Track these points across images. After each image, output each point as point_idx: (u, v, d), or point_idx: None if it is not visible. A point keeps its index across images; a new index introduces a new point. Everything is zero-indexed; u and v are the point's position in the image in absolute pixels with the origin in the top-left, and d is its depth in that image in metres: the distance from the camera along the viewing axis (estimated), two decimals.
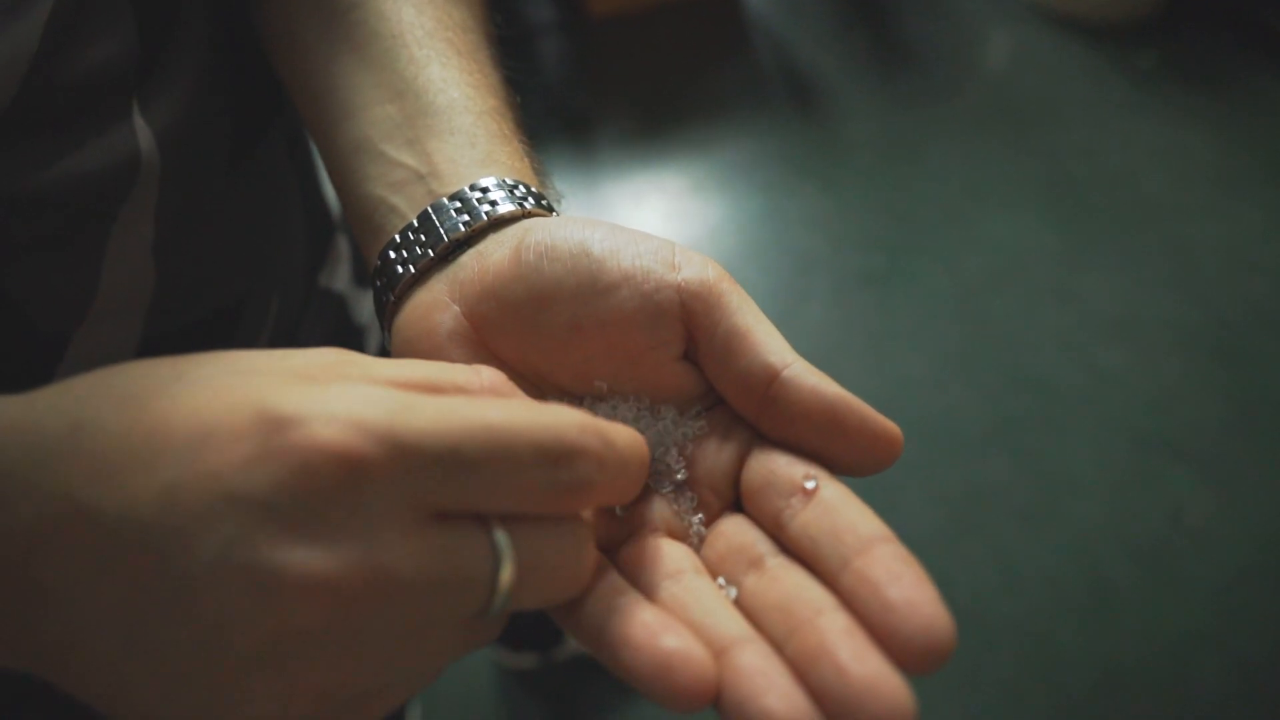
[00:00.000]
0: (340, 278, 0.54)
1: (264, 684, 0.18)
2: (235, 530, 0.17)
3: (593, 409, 0.28)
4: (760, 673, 0.21)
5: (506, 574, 0.20)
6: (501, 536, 0.20)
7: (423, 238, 0.29)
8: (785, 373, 0.25)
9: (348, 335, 0.53)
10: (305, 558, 0.17)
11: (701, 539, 0.27)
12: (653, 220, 1.89)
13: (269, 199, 0.43)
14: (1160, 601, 1.35)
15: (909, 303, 1.74)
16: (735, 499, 0.27)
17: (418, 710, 1.18)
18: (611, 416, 0.28)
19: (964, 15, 2.43)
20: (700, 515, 0.27)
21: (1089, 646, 1.30)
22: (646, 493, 0.27)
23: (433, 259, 0.29)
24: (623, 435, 0.22)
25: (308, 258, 0.49)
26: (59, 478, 0.17)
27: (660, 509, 0.27)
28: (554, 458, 0.19)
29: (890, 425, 0.26)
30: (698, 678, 0.20)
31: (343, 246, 0.55)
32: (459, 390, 0.22)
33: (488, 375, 0.24)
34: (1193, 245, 1.85)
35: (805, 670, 0.21)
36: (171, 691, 0.18)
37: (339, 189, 0.33)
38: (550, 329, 0.27)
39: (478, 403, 0.19)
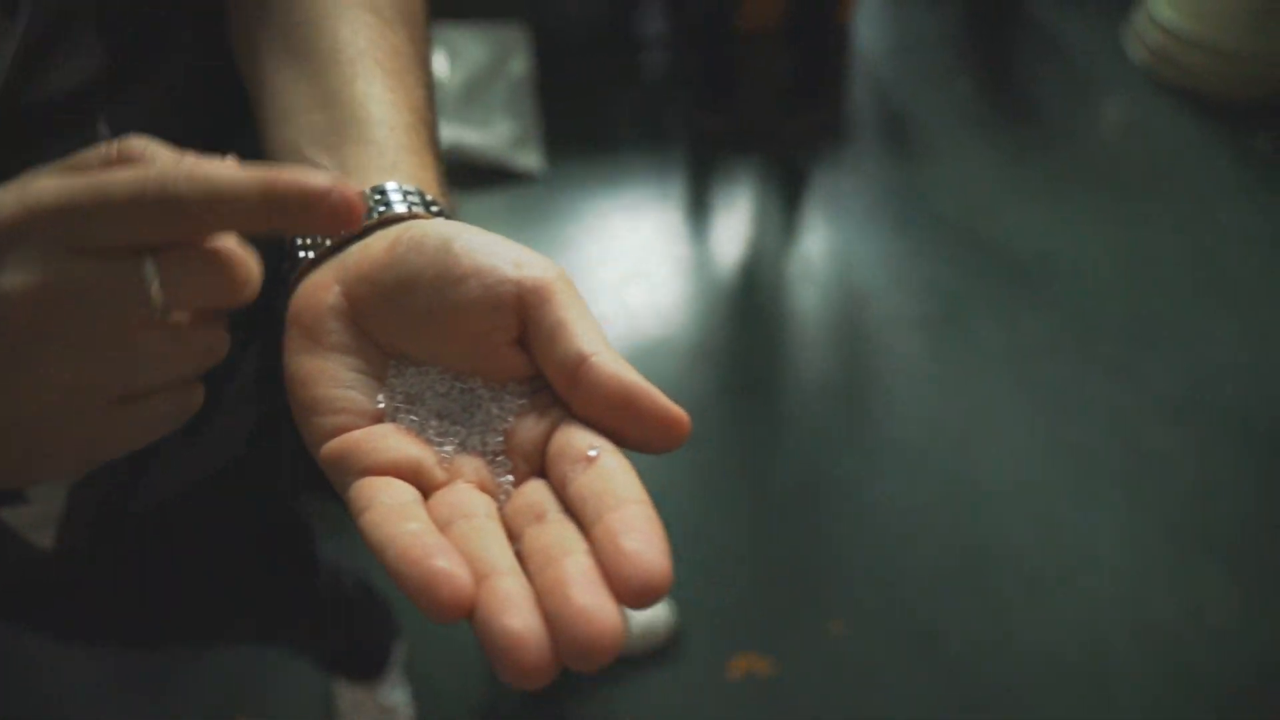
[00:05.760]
0: None
1: (18, 380, 0.25)
2: None
3: (413, 373, 0.33)
4: (509, 597, 0.25)
5: (154, 282, 0.26)
6: (148, 261, 0.26)
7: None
8: (592, 359, 0.29)
9: None
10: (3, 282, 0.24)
11: (508, 496, 0.31)
12: (718, 231, 1.92)
13: None
14: (1162, 691, 1.30)
15: (957, 353, 1.73)
16: (543, 467, 0.32)
17: (407, 692, 1.25)
18: (422, 382, 0.33)
19: (1076, 74, 2.38)
20: (510, 477, 0.32)
21: None
22: (469, 453, 0.32)
23: (328, 248, 0.35)
24: (183, 174, 0.26)
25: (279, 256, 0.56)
26: None
27: (478, 468, 0.32)
28: (136, 200, 0.25)
29: (679, 413, 0.30)
30: (455, 594, 0.24)
31: None
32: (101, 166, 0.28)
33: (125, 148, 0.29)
34: (1271, 335, 1.77)
35: (544, 599, 0.25)
36: None
37: None
38: (410, 311, 0.31)
39: (98, 175, 0.25)
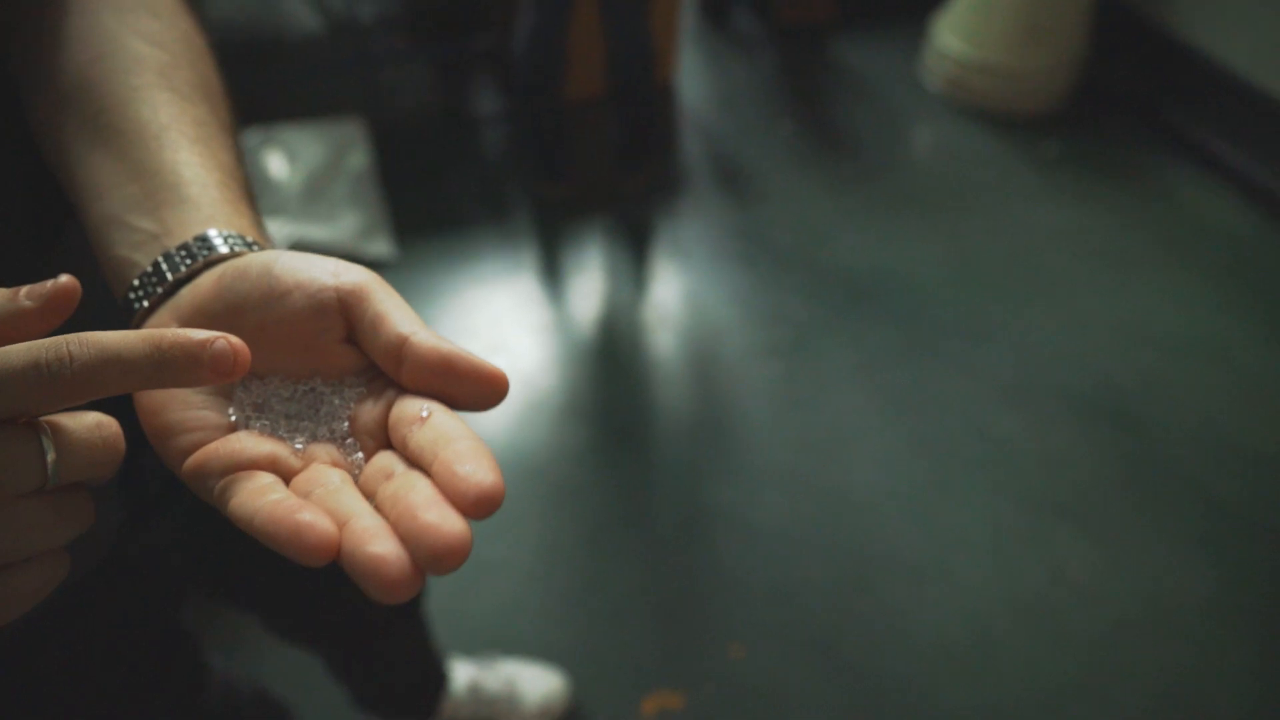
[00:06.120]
0: None
1: None
2: None
3: (256, 385, 0.37)
4: (367, 530, 0.29)
5: (51, 453, 0.28)
6: (45, 434, 0.28)
7: (153, 280, 0.37)
8: (411, 338, 0.33)
9: None
10: None
11: (361, 470, 0.35)
12: (581, 285, 1.98)
13: (82, 276, 0.50)
14: (1040, 654, 1.39)
15: (811, 373, 1.82)
16: (387, 441, 0.35)
17: None
18: (266, 390, 0.36)
19: (883, 108, 2.58)
20: (360, 455, 0.36)
21: (972, 700, 1.34)
22: (320, 441, 0.36)
23: (160, 295, 0.37)
24: (58, 350, 0.28)
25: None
26: None
27: (331, 452, 0.36)
28: (33, 369, 0.27)
29: (495, 369, 0.34)
30: (320, 538, 0.28)
31: None
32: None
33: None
34: (1088, 319, 1.95)
35: (398, 527, 0.29)
36: None
37: (97, 257, 0.40)
38: (244, 331, 0.34)
39: None
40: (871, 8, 2.91)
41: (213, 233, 0.38)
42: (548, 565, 1.50)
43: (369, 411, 0.35)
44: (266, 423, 0.36)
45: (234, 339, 0.30)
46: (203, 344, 0.29)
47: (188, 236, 0.38)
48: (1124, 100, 2.54)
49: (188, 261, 0.37)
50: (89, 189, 0.40)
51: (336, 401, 0.36)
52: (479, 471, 0.29)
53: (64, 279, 0.29)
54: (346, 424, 0.36)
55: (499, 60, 2.50)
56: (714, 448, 1.69)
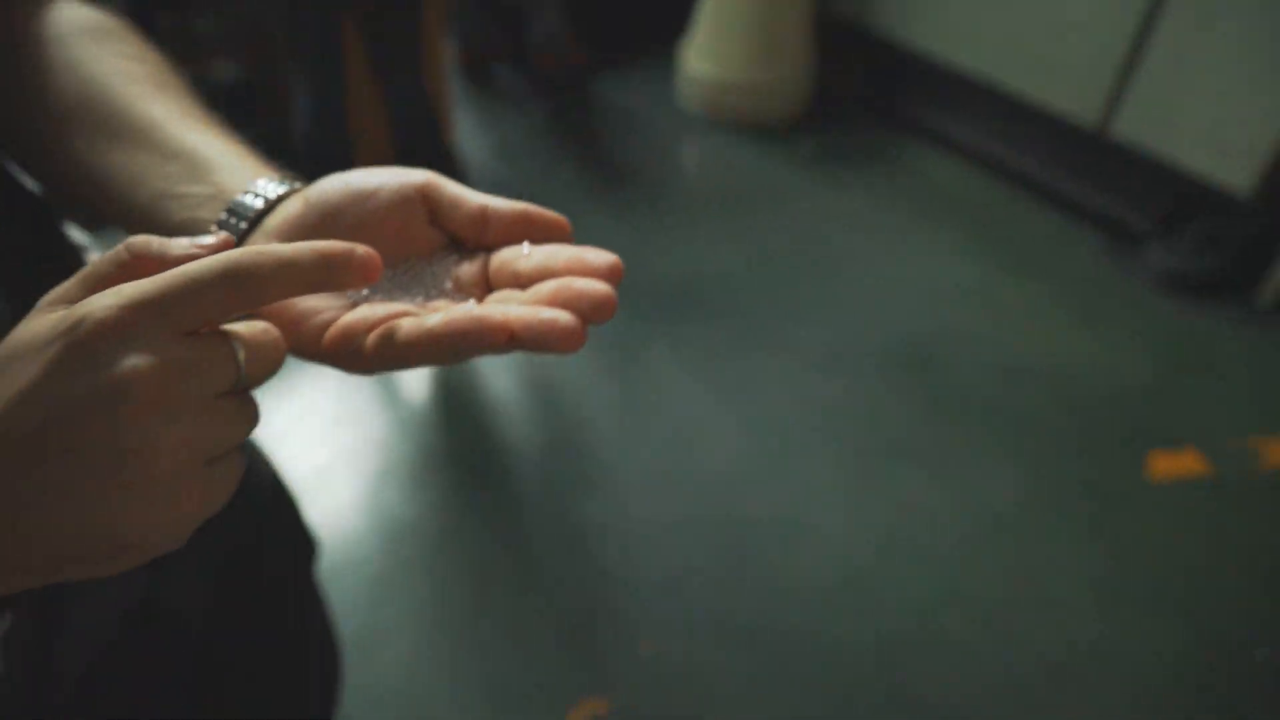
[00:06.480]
0: None
1: (142, 451, 0.28)
2: (87, 377, 0.27)
3: (387, 277, 0.41)
4: (531, 308, 0.35)
5: (241, 355, 0.31)
6: (234, 338, 0.31)
7: (231, 221, 0.41)
8: (490, 204, 0.41)
9: None
10: (125, 365, 0.28)
11: None
12: None
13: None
14: (905, 577, 1.55)
15: (649, 385, 1.93)
16: (490, 290, 0.41)
17: None
18: (392, 276, 0.41)
19: (651, 134, 2.77)
20: (471, 300, 0.40)
21: (858, 630, 1.47)
22: (433, 299, 0.41)
23: (244, 229, 0.41)
24: (255, 258, 0.32)
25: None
26: None
27: (446, 305, 0.40)
28: (225, 278, 0.30)
29: (561, 217, 0.42)
30: (499, 321, 0.34)
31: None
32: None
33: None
34: (875, 286, 2.19)
35: (556, 297, 0.36)
36: (123, 505, 0.28)
37: (154, 233, 0.42)
38: (342, 232, 0.40)
39: (183, 273, 0.30)
40: (621, 46, 3.11)
41: (263, 180, 0.42)
42: (438, 616, 1.51)
43: (467, 271, 0.41)
44: (383, 295, 0.40)
45: (366, 246, 0.34)
46: (351, 249, 0.33)
47: (242, 189, 0.42)
48: (859, 97, 2.87)
49: (259, 202, 0.41)
50: (123, 180, 0.43)
51: (438, 269, 0.42)
52: (600, 254, 0.37)
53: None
54: (450, 284, 0.41)
55: (282, 145, 2.47)
56: (573, 469, 1.75)
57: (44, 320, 0.29)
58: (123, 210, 0.43)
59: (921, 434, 1.81)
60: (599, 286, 0.35)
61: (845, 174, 2.59)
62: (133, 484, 0.28)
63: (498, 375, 1.95)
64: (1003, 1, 2.35)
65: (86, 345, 0.28)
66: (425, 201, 0.41)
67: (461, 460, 1.78)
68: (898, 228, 2.39)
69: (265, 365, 0.33)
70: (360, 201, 0.40)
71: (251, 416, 0.33)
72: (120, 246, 0.33)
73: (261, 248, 0.32)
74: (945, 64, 2.56)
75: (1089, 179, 2.40)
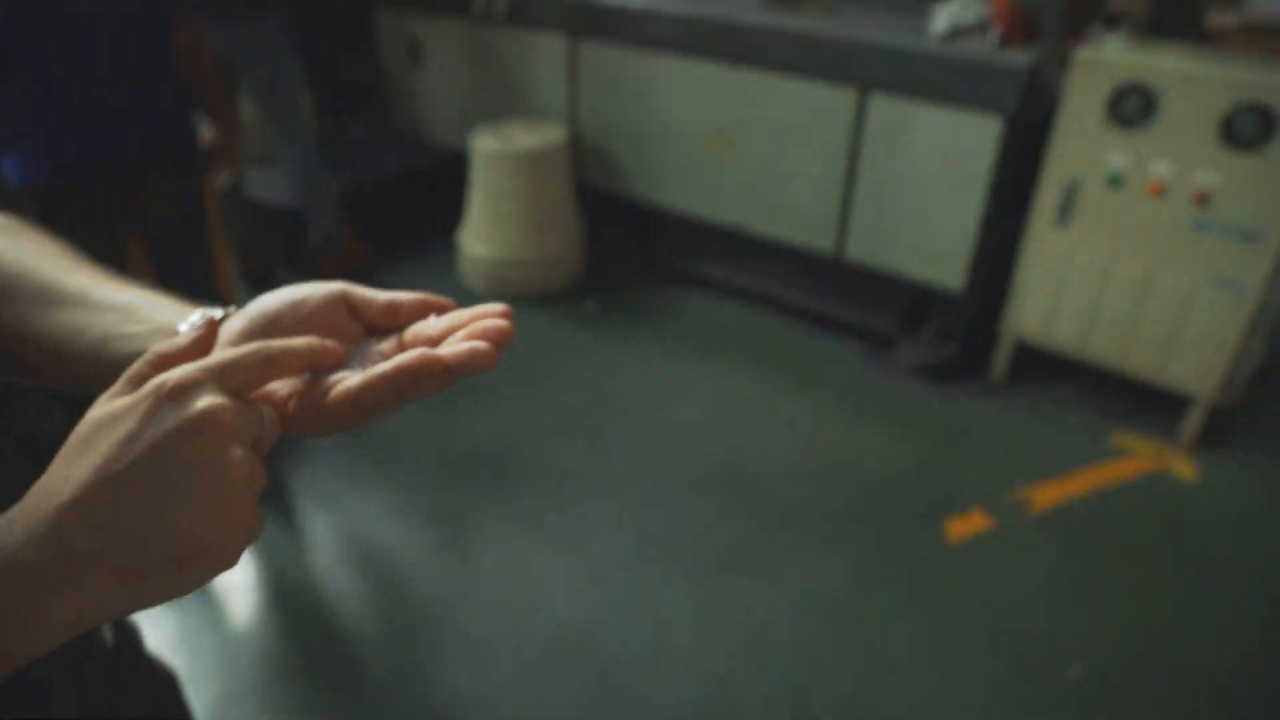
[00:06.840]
0: None
1: (231, 459, 0.38)
2: (176, 414, 0.37)
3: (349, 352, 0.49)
4: (451, 346, 0.44)
5: (268, 416, 0.41)
6: (260, 404, 0.42)
7: None
8: (396, 298, 0.50)
9: None
10: (202, 404, 0.38)
11: None
12: None
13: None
14: (766, 677, 1.62)
15: (482, 546, 1.95)
16: None
17: None
18: (349, 353, 0.49)
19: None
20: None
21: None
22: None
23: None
24: (277, 345, 0.42)
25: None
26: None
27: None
28: (260, 362, 0.41)
29: (447, 300, 0.50)
30: (435, 355, 0.42)
31: None
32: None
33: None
34: (673, 422, 2.35)
35: (473, 332, 0.46)
36: (207, 526, 0.37)
37: (97, 370, 0.48)
38: (282, 334, 0.46)
39: (230, 352, 0.41)
40: (399, 241, 3.25)
41: (197, 313, 0.49)
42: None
43: (387, 347, 0.49)
44: (325, 373, 0.47)
45: (328, 340, 0.44)
46: (324, 341, 0.44)
47: (180, 322, 0.48)
48: (626, 256, 3.14)
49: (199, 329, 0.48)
50: (64, 334, 0.48)
51: (364, 349, 0.50)
52: (491, 305, 0.48)
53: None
54: (378, 356, 0.49)
55: None
56: (425, 648, 1.72)
57: (120, 400, 0.38)
58: (64, 361, 0.48)
59: (748, 544, 1.94)
60: (500, 322, 0.46)
61: (628, 326, 2.81)
62: (211, 491, 0.37)
63: (335, 572, 1.90)
64: (734, 160, 2.71)
65: (172, 395, 0.38)
66: (346, 301, 0.50)
67: (311, 664, 1.70)
68: (684, 367, 2.60)
69: (273, 429, 0.42)
70: (295, 308, 0.49)
71: (264, 474, 0.41)
72: (148, 353, 0.41)
73: (276, 340, 0.42)
74: (698, 218, 2.88)
75: (839, 298, 2.75)
